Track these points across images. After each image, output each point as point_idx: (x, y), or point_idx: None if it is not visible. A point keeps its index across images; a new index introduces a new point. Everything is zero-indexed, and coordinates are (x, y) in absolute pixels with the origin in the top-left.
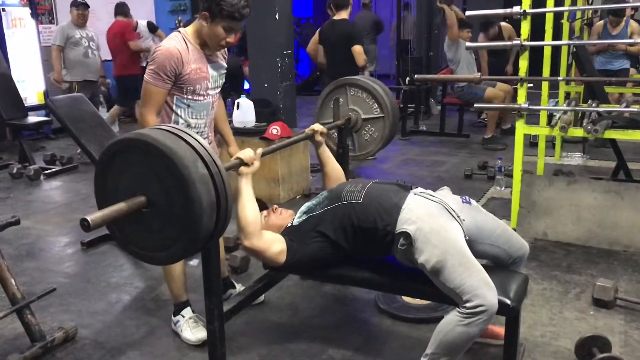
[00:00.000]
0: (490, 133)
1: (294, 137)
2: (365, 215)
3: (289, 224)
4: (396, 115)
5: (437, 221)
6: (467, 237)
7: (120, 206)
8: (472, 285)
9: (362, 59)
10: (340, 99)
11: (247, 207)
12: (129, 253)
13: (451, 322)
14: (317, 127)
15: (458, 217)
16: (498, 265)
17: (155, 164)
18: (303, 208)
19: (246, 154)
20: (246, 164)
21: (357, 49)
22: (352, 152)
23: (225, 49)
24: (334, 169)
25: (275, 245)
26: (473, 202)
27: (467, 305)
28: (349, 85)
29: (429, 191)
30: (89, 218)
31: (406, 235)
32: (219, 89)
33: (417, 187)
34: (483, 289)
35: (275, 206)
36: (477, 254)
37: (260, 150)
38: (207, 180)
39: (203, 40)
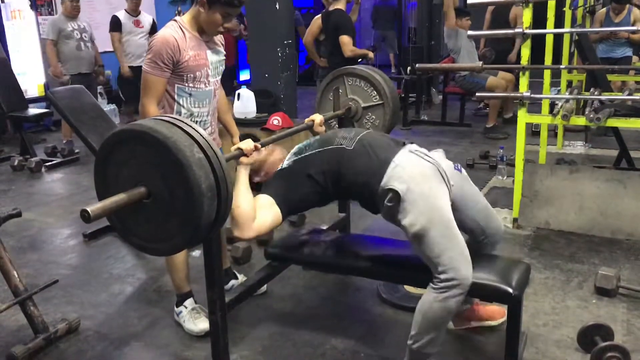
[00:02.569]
0: (492, 122)
1: (294, 128)
2: (353, 164)
3: (280, 167)
4: (396, 101)
5: (428, 184)
6: (450, 203)
7: (120, 197)
8: (450, 257)
9: (348, 50)
10: (340, 89)
11: (242, 199)
12: (131, 245)
13: (428, 300)
14: (316, 117)
15: (448, 181)
16: (471, 240)
17: (152, 152)
18: (294, 150)
19: (246, 144)
20: (246, 155)
21: (343, 39)
22: None
23: (222, 38)
24: None
25: (265, 223)
26: (464, 171)
27: (441, 277)
28: (347, 74)
29: (424, 150)
30: (89, 209)
31: (395, 192)
32: (220, 77)
33: (412, 144)
34: (459, 262)
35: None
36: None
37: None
38: (204, 163)
39: (200, 26)
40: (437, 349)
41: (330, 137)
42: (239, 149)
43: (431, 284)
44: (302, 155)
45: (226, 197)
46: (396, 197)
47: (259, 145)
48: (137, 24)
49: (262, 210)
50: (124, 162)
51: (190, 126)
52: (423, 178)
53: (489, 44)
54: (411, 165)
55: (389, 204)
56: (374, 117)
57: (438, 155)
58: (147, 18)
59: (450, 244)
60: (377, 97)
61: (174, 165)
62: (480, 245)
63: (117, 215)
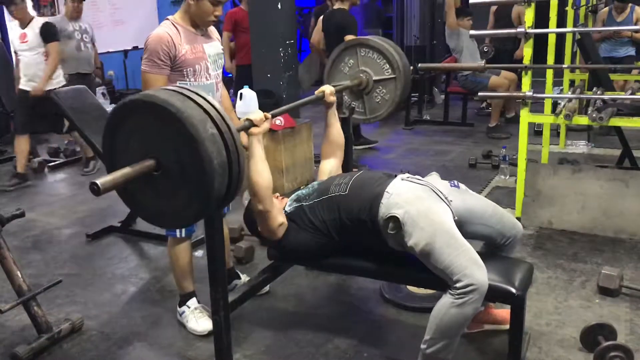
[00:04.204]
0: (494, 122)
1: (305, 99)
2: (350, 206)
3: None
4: (408, 76)
5: (424, 204)
6: (457, 218)
7: (129, 170)
8: (461, 265)
9: None
10: (351, 61)
11: (261, 170)
12: (142, 218)
13: (445, 305)
14: (326, 88)
15: (446, 198)
16: (492, 246)
17: (163, 125)
18: (294, 196)
19: (255, 114)
20: (256, 125)
21: (348, 39)
22: (362, 115)
23: (218, 33)
24: (336, 134)
25: (280, 216)
26: (462, 185)
27: (458, 285)
28: (360, 45)
29: (417, 176)
30: (99, 182)
31: (395, 219)
32: (220, 70)
33: (404, 173)
34: (472, 268)
35: (277, 194)
36: (470, 235)
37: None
38: (217, 139)
39: (192, 20)
40: (451, 355)
41: (327, 185)
42: (248, 119)
43: (449, 291)
44: (303, 204)
45: (237, 173)
46: (397, 223)
47: (269, 115)
48: (23, 37)
49: (278, 204)
50: (133, 133)
51: (205, 99)
52: (418, 200)
53: (494, 44)
54: (405, 191)
55: (392, 232)
56: (384, 90)
57: (432, 178)
58: (34, 27)
59: (457, 251)
60: (390, 70)
61: (186, 141)
62: (501, 248)
63: (126, 188)
